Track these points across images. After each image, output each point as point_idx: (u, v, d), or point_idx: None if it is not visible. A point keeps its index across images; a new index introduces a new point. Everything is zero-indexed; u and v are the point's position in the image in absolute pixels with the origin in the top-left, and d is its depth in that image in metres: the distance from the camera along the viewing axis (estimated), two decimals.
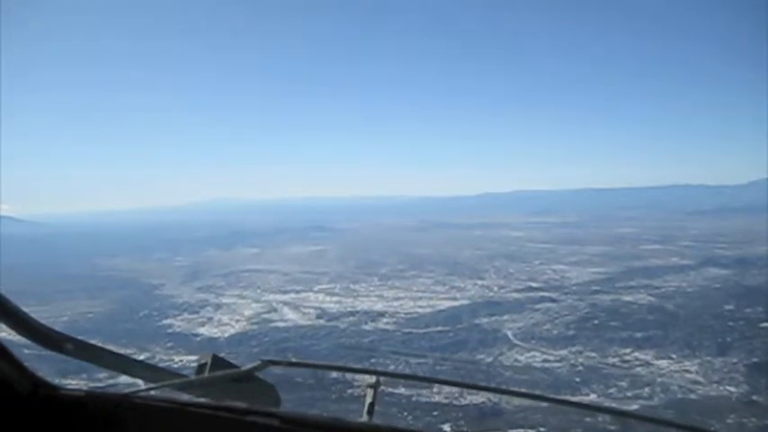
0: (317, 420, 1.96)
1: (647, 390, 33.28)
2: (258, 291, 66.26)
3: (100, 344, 2.31)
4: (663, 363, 37.23)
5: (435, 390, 33.14)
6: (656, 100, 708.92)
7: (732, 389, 32.54)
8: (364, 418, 2.23)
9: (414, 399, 32.08)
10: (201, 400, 2.22)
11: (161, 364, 3.26)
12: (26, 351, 2.12)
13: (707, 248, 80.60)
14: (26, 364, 2.03)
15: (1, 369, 1.97)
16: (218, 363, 2.33)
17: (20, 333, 1.99)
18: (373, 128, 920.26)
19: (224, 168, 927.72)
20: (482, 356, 40.90)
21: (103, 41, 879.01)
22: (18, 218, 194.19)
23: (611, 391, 33.56)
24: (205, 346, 43.55)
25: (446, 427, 29.05)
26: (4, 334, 1.98)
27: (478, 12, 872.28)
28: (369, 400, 2.30)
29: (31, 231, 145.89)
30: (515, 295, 57.76)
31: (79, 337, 2.18)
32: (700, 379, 34.25)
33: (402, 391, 32.13)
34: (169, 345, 45.97)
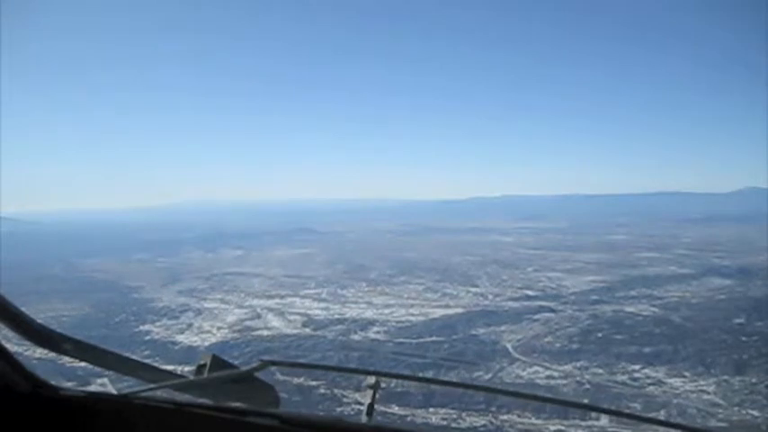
0: (316, 421, 1.99)
1: (662, 412, 30.79)
2: (242, 295, 63.73)
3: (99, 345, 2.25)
4: (676, 381, 34.83)
5: (432, 410, 31.07)
6: (645, 106, 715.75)
7: (756, 413, 30.17)
8: (364, 418, 2.22)
9: (408, 419, 29.66)
10: (201, 400, 2.25)
11: None
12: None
13: (704, 257, 79.03)
14: (26, 364, 2.03)
15: (1, 369, 2.02)
16: (217, 363, 2.28)
17: (20, 333, 1.99)
18: (361, 130, 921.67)
19: (208, 169, 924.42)
20: (480, 372, 38.43)
21: (88, 42, 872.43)
22: None
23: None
24: (183, 356, 41.12)
25: None
26: (4, 334, 1.98)
27: (468, 16, 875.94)
28: (368, 400, 2.28)
29: (10, 229, 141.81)
30: (511, 304, 55.39)
31: (78, 338, 2.15)
32: (719, 401, 31.83)
33: (396, 410, 30.20)
34: (146, 353, 43.36)
